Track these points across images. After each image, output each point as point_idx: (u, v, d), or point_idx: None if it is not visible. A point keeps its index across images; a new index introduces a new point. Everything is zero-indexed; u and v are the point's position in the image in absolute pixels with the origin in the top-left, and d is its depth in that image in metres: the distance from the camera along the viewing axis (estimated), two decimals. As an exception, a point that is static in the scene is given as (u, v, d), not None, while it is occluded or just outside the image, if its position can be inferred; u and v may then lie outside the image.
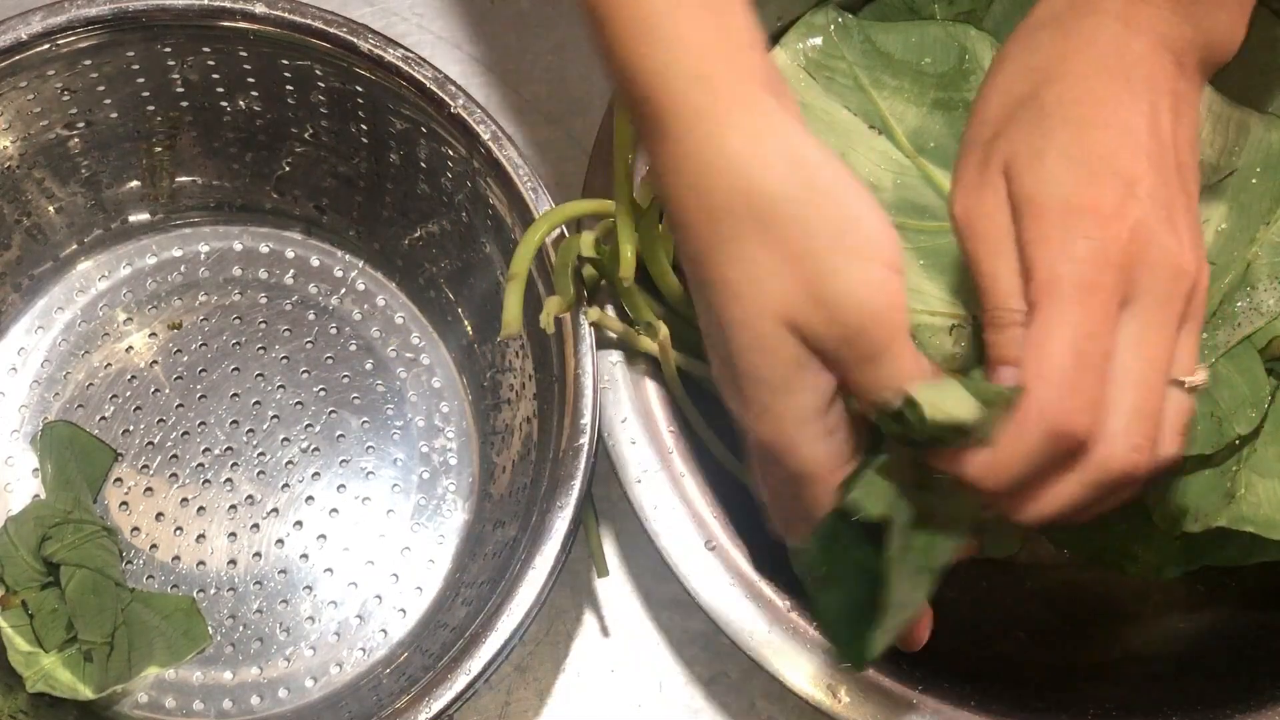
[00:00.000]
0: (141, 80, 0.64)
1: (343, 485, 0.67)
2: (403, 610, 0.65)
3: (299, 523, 0.66)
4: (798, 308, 0.42)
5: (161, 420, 0.68)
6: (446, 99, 0.60)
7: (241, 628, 0.65)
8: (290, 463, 0.67)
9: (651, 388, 0.57)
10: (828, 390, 0.44)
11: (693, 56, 0.42)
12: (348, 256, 0.71)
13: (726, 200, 0.42)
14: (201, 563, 0.66)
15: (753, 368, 0.43)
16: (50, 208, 0.68)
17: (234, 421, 0.68)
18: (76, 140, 0.66)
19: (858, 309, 0.42)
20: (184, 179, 0.70)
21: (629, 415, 0.57)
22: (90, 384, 0.68)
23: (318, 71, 0.63)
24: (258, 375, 0.69)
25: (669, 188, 0.44)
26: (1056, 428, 0.42)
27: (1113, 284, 0.43)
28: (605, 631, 0.66)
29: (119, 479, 0.67)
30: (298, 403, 0.68)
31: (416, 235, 0.68)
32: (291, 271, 0.71)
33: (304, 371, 0.69)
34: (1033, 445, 0.43)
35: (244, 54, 0.63)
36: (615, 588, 0.66)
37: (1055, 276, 0.43)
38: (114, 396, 0.68)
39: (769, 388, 0.43)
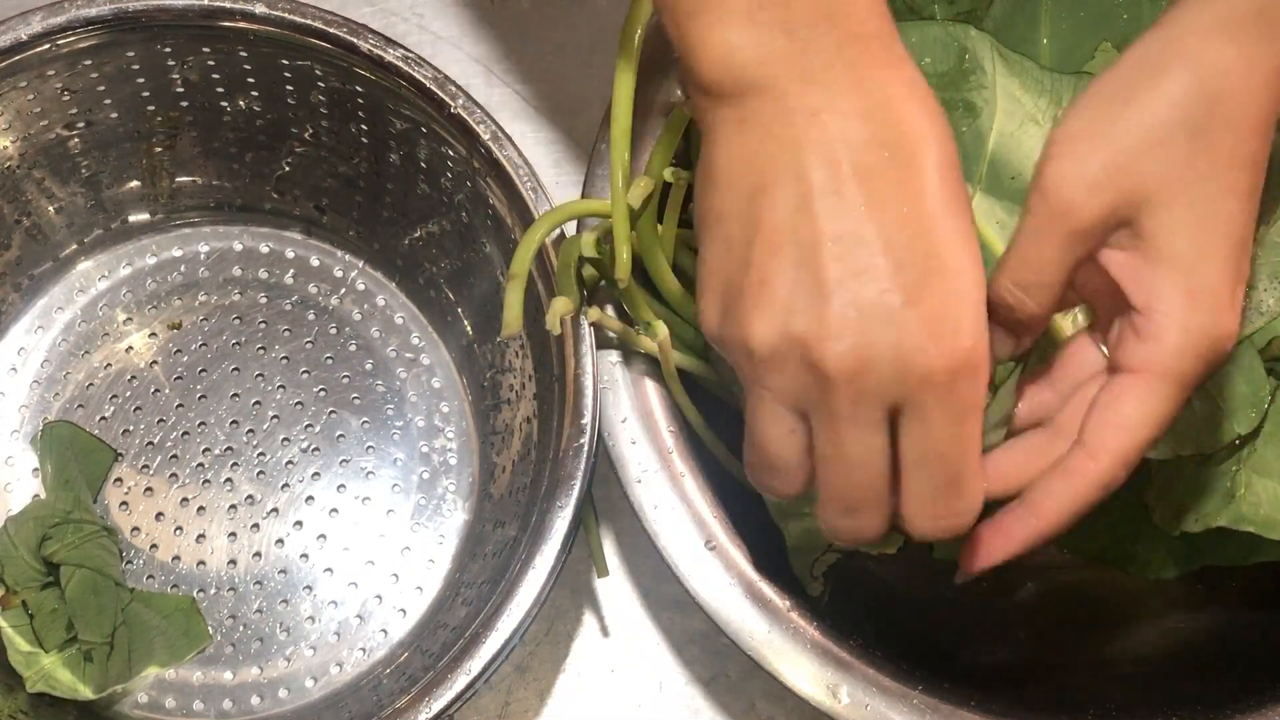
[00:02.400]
0: (141, 80, 0.64)
1: (343, 485, 0.67)
2: (403, 610, 0.65)
3: (299, 523, 0.66)
4: None
5: (161, 420, 0.68)
6: (446, 99, 0.60)
7: (241, 628, 0.65)
8: (290, 463, 0.67)
9: (651, 388, 0.57)
10: None
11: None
12: (348, 256, 0.71)
13: None
14: (201, 563, 0.66)
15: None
16: (50, 208, 0.68)
17: (234, 421, 0.68)
18: (76, 140, 0.66)
19: None
20: (184, 179, 0.70)
21: (629, 415, 0.57)
22: (90, 384, 0.68)
23: (318, 71, 0.63)
24: (258, 375, 0.69)
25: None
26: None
27: None
28: (605, 631, 0.66)
29: (119, 479, 0.67)
30: (298, 403, 0.68)
31: (416, 235, 0.68)
32: (291, 271, 0.71)
33: (304, 371, 0.69)
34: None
35: (244, 54, 0.63)
36: (615, 588, 0.66)
37: (1180, 349, 0.44)
38: (114, 396, 0.68)
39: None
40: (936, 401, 0.43)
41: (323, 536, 0.66)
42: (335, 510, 0.67)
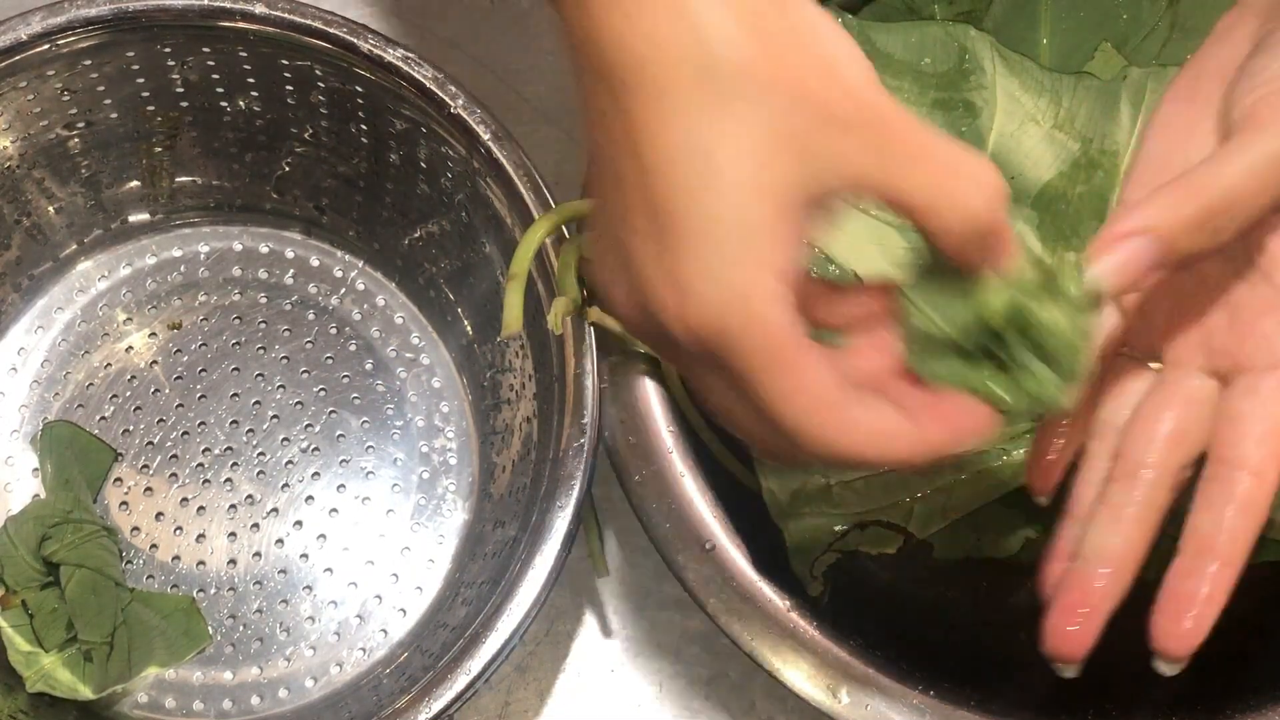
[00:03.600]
0: (141, 80, 0.64)
1: (343, 485, 0.67)
2: (403, 610, 0.65)
3: (299, 522, 0.66)
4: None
5: (161, 420, 0.68)
6: (446, 99, 0.60)
7: (241, 628, 0.65)
8: (290, 462, 0.67)
9: (651, 388, 0.57)
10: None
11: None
12: (348, 256, 0.71)
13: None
14: (201, 562, 0.66)
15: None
16: (50, 208, 0.68)
17: (234, 421, 0.68)
18: (76, 140, 0.66)
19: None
20: (184, 179, 0.70)
21: (629, 415, 0.57)
22: (90, 384, 0.68)
23: (318, 71, 0.63)
24: (257, 375, 0.69)
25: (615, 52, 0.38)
26: None
27: None
28: (605, 631, 0.66)
29: (119, 479, 0.67)
30: (298, 403, 0.68)
31: (416, 235, 0.68)
32: (291, 271, 0.71)
33: (304, 371, 0.69)
34: None
35: (244, 54, 0.63)
36: (615, 588, 0.66)
37: None
38: (114, 396, 0.68)
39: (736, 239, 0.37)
40: (713, 369, 0.39)
41: (323, 536, 0.66)
42: (335, 510, 0.67)
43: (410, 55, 0.60)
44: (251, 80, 0.64)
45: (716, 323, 0.37)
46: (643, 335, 0.41)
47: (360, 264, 0.71)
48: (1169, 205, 0.39)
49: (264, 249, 0.71)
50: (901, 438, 0.39)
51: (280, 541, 0.66)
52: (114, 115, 0.65)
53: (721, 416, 0.42)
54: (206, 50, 0.63)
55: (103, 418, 0.68)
